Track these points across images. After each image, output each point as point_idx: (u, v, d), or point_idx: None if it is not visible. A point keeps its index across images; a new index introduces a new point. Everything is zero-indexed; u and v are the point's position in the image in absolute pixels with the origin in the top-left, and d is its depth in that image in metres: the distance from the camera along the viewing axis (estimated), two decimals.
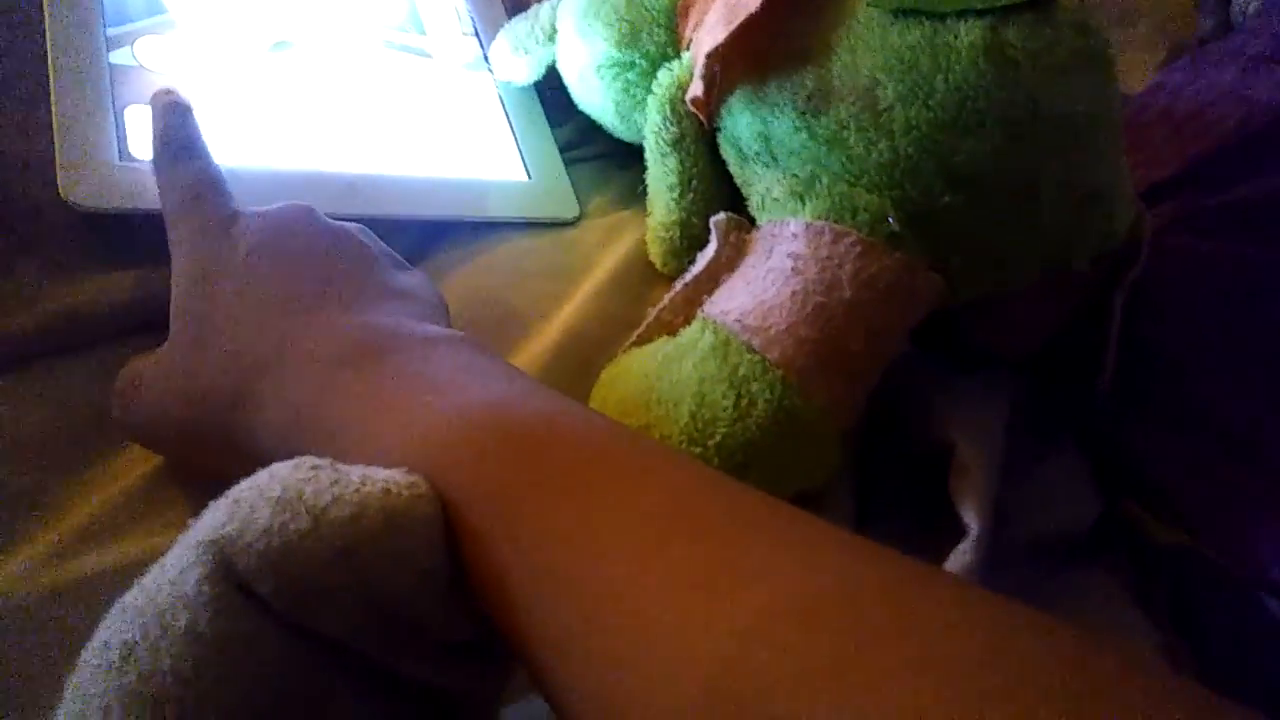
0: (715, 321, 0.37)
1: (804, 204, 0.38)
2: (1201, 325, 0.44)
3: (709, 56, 0.40)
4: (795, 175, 0.39)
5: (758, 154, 0.41)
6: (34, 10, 0.42)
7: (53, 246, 0.39)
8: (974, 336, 0.44)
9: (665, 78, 0.45)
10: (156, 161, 0.36)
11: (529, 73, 0.54)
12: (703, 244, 0.42)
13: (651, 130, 0.45)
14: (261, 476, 0.23)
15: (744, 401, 0.35)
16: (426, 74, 0.54)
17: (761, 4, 0.38)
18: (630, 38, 0.46)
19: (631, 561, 0.22)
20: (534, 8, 0.53)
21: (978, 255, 0.38)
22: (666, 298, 0.41)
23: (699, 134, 0.45)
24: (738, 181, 0.44)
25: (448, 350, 0.31)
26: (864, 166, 0.37)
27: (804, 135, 0.38)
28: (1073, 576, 0.43)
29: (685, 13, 0.45)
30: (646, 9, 0.46)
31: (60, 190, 0.37)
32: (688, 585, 0.21)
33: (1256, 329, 0.43)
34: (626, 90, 0.48)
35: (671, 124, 0.44)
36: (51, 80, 0.40)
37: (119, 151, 0.40)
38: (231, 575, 0.22)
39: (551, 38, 0.51)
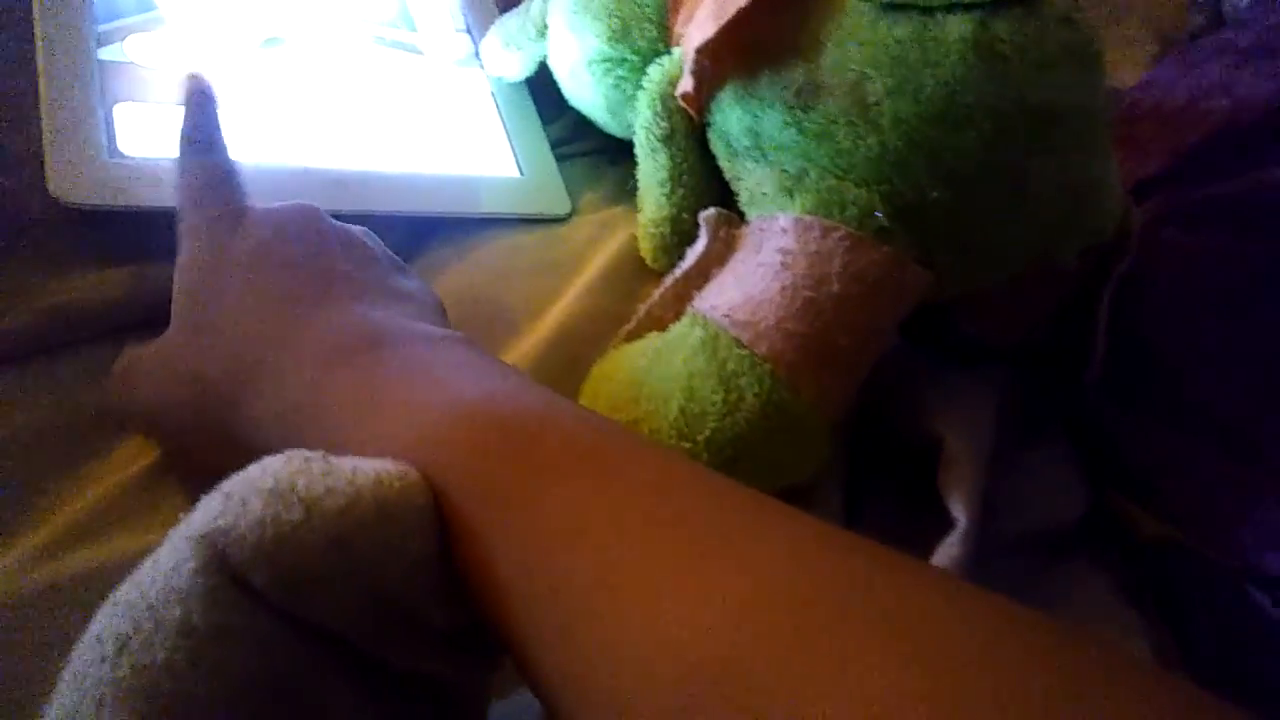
0: (704, 317, 0.37)
1: (793, 199, 0.38)
2: (1189, 318, 0.44)
3: (698, 51, 0.40)
4: (784, 170, 0.39)
5: (747, 149, 0.41)
6: (23, 7, 0.42)
7: (42, 243, 0.39)
8: (963, 329, 0.44)
9: (656, 73, 0.45)
10: (179, 149, 0.36)
11: (520, 69, 0.54)
12: (693, 240, 0.42)
13: (642, 126, 0.45)
14: (253, 470, 0.24)
15: (733, 396, 0.35)
16: (418, 70, 0.54)
17: (749, 2, 0.38)
18: (621, 33, 0.46)
19: (616, 551, 0.23)
20: (525, 4, 0.53)
21: (966, 249, 0.38)
22: (656, 293, 0.41)
23: (689, 129, 0.45)
24: (727, 177, 0.44)
25: (444, 347, 0.31)
26: (852, 161, 0.37)
27: (793, 130, 0.38)
28: (1061, 569, 0.43)
29: (676, 8, 0.45)
30: (637, 4, 0.46)
31: (50, 187, 0.37)
32: (671, 575, 0.22)
33: (1244, 322, 0.43)
34: (617, 86, 0.48)
35: (662, 119, 0.44)
36: (41, 77, 0.40)
37: (109, 148, 0.40)
38: (225, 567, 0.22)
39: (543, 34, 0.51)
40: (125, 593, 0.23)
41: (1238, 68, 0.53)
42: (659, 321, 0.41)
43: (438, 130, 0.52)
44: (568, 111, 0.54)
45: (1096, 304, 0.42)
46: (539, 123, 0.56)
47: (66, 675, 0.22)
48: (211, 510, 0.23)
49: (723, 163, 0.44)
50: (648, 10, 0.46)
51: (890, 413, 0.44)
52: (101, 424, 0.37)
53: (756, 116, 0.40)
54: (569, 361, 0.42)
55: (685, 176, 0.45)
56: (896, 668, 0.18)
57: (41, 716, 0.22)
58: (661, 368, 0.37)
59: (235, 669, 0.22)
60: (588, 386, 0.40)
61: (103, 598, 0.23)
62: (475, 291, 0.45)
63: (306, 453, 0.24)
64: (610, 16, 0.46)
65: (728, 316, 0.36)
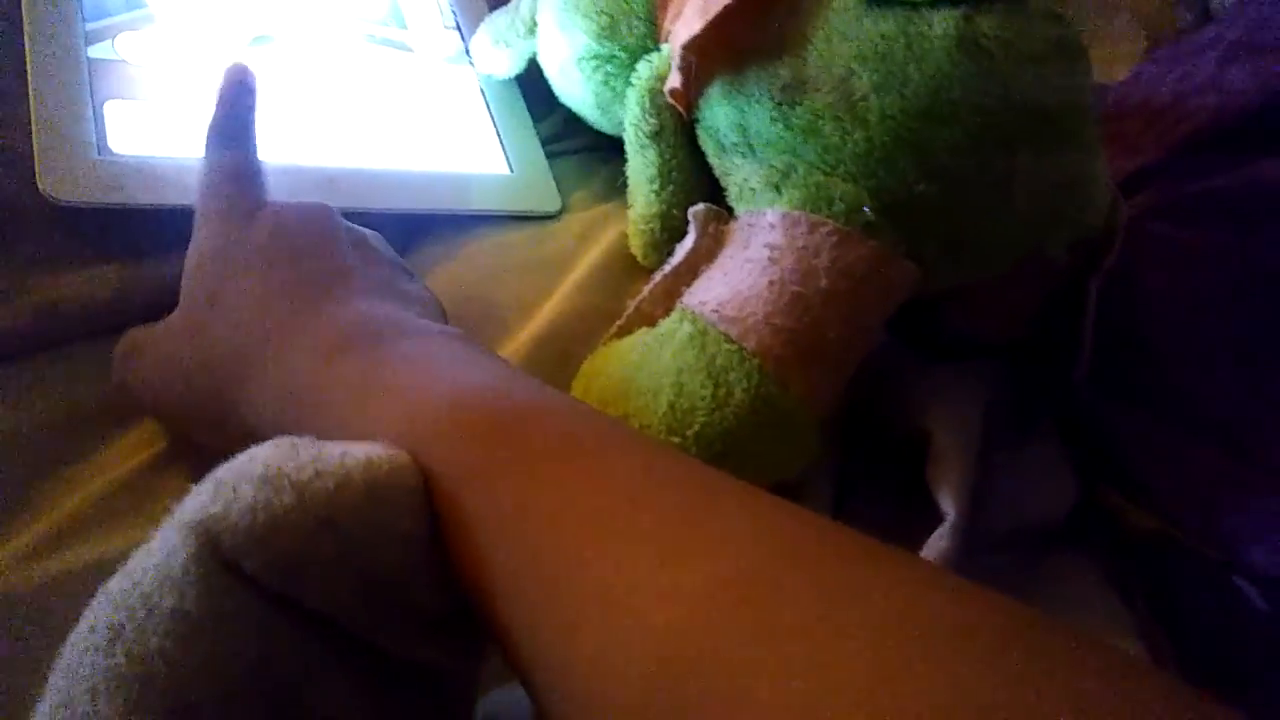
0: (693, 312, 0.37)
1: (781, 194, 0.38)
2: (1177, 312, 0.44)
3: (685, 47, 0.40)
4: (772, 165, 0.40)
5: (735, 145, 0.42)
6: (12, 5, 0.42)
7: (31, 242, 0.39)
8: (951, 323, 0.44)
9: (644, 70, 0.45)
10: (208, 137, 0.37)
11: (510, 66, 0.54)
12: (683, 236, 0.42)
13: (631, 122, 0.46)
14: (241, 459, 0.24)
15: (722, 391, 0.35)
16: (408, 68, 0.54)
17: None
18: (610, 30, 0.46)
19: (597, 533, 0.23)
20: (514, 1, 0.53)
21: (953, 243, 0.38)
22: (646, 289, 0.42)
23: (678, 126, 0.45)
24: (716, 173, 0.45)
25: (441, 341, 0.32)
26: (839, 156, 0.37)
27: (780, 126, 0.38)
28: (1051, 563, 0.44)
29: (664, 5, 0.45)
30: (626, 1, 0.46)
31: (39, 185, 0.37)
32: (649, 555, 0.22)
33: (1232, 316, 0.43)
34: (606, 83, 0.48)
35: (651, 116, 0.44)
36: (30, 75, 0.40)
37: (98, 146, 0.40)
38: (217, 555, 0.22)
39: (532, 31, 0.51)
40: (118, 583, 0.23)
41: (1225, 63, 0.54)
42: (648, 317, 0.41)
43: (428, 128, 0.52)
44: (558, 109, 0.54)
45: (1084, 298, 0.42)
46: (529, 120, 0.56)
47: (60, 665, 0.22)
48: (202, 498, 0.23)
49: (711, 159, 0.45)
50: (636, 7, 0.46)
51: (879, 408, 0.44)
52: (94, 422, 0.37)
53: (744, 112, 0.40)
54: (560, 358, 0.42)
55: (675, 173, 0.45)
56: (859, 642, 0.19)
57: (36, 708, 0.22)
58: (651, 363, 0.37)
59: (229, 656, 0.22)
60: (578, 382, 0.40)
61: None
62: (466, 289, 0.45)
63: (295, 439, 0.24)
64: (599, 14, 0.46)
65: (716, 312, 0.36)
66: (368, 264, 0.36)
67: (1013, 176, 0.37)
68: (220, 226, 0.35)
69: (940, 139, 0.36)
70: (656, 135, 0.45)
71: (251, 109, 0.37)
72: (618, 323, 0.42)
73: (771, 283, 0.36)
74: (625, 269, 0.47)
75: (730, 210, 0.43)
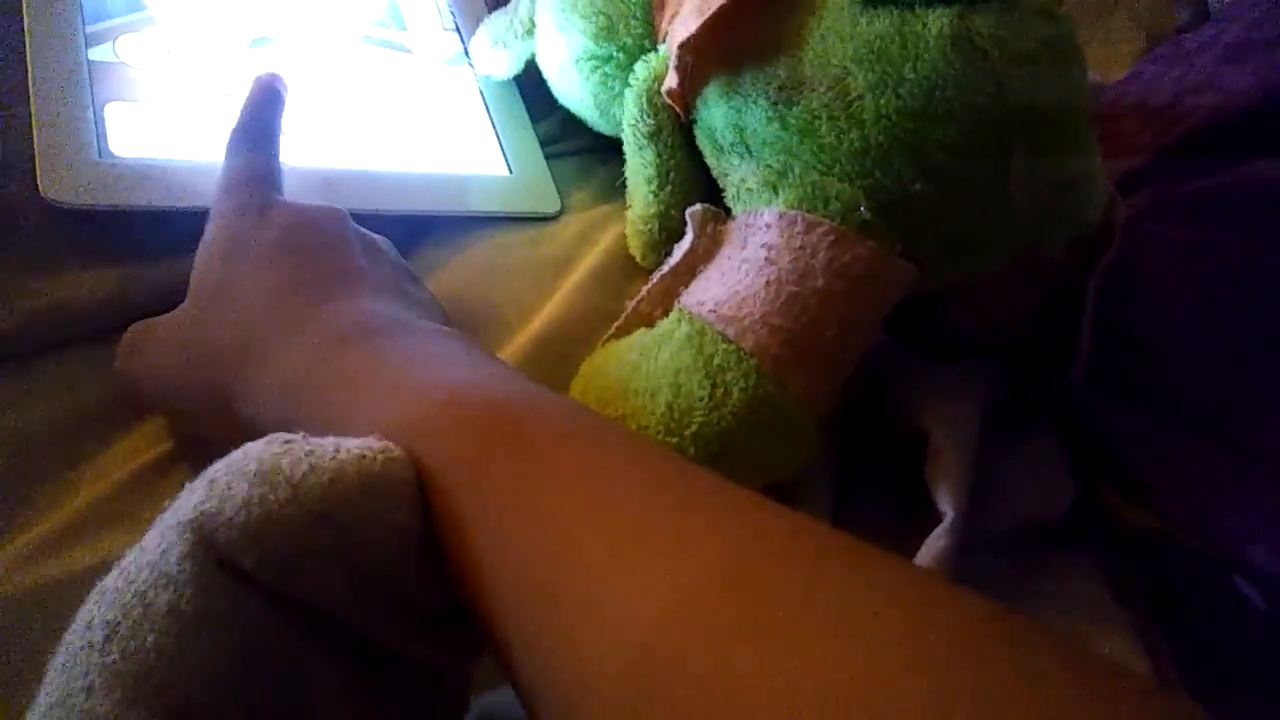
0: (691, 312, 0.37)
1: (777, 194, 0.39)
2: (1173, 310, 0.44)
3: (682, 47, 0.40)
4: (769, 165, 0.40)
5: (732, 145, 0.42)
6: (13, 8, 0.42)
7: (32, 244, 0.39)
8: (949, 323, 0.44)
9: (642, 70, 0.45)
10: (231, 138, 0.38)
11: (509, 67, 0.54)
12: (681, 236, 0.42)
13: (629, 123, 0.46)
14: (235, 455, 0.24)
15: (719, 391, 0.35)
16: (407, 69, 0.54)
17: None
18: (608, 31, 0.46)
19: (583, 526, 0.23)
20: (513, 2, 0.53)
21: (950, 242, 0.38)
22: (644, 290, 0.42)
23: (676, 126, 0.45)
24: (714, 173, 0.45)
25: (439, 340, 0.32)
26: (835, 156, 0.37)
27: (776, 125, 0.39)
28: (1049, 562, 0.44)
29: (662, 5, 0.45)
30: (623, 2, 0.46)
31: (40, 187, 0.38)
32: (636, 549, 0.22)
33: (1227, 314, 0.43)
34: (604, 83, 0.48)
35: (648, 116, 0.44)
36: (31, 77, 0.40)
37: (99, 148, 0.40)
38: (212, 552, 0.23)
39: (530, 32, 0.51)
40: (112, 580, 0.23)
41: (1223, 63, 0.54)
42: (647, 318, 0.41)
43: (427, 129, 0.52)
44: (556, 110, 0.54)
45: (1081, 296, 0.42)
46: (528, 121, 0.56)
47: (55, 663, 0.22)
48: (196, 496, 0.23)
49: (709, 159, 0.45)
50: (634, 8, 0.46)
51: (877, 407, 0.44)
52: (95, 424, 0.38)
53: (740, 112, 0.40)
54: (559, 359, 0.43)
55: (673, 173, 0.45)
56: (836, 639, 0.19)
57: (32, 705, 0.22)
58: (649, 363, 0.37)
59: (223, 653, 0.22)
60: (577, 382, 0.41)
61: None
62: (466, 290, 0.45)
63: (287, 435, 0.25)
64: (597, 14, 0.46)
65: (714, 312, 0.37)
66: (375, 267, 0.37)
67: (1008, 176, 0.37)
68: (233, 222, 0.35)
69: (936, 138, 0.36)
70: (654, 136, 0.45)
71: (279, 115, 0.38)
72: (616, 323, 0.42)
73: (769, 282, 0.36)
74: (624, 270, 0.48)
75: (728, 210, 0.43)
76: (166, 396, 0.36)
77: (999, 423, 0.44)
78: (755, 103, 0.39)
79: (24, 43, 0.41)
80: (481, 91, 0.56)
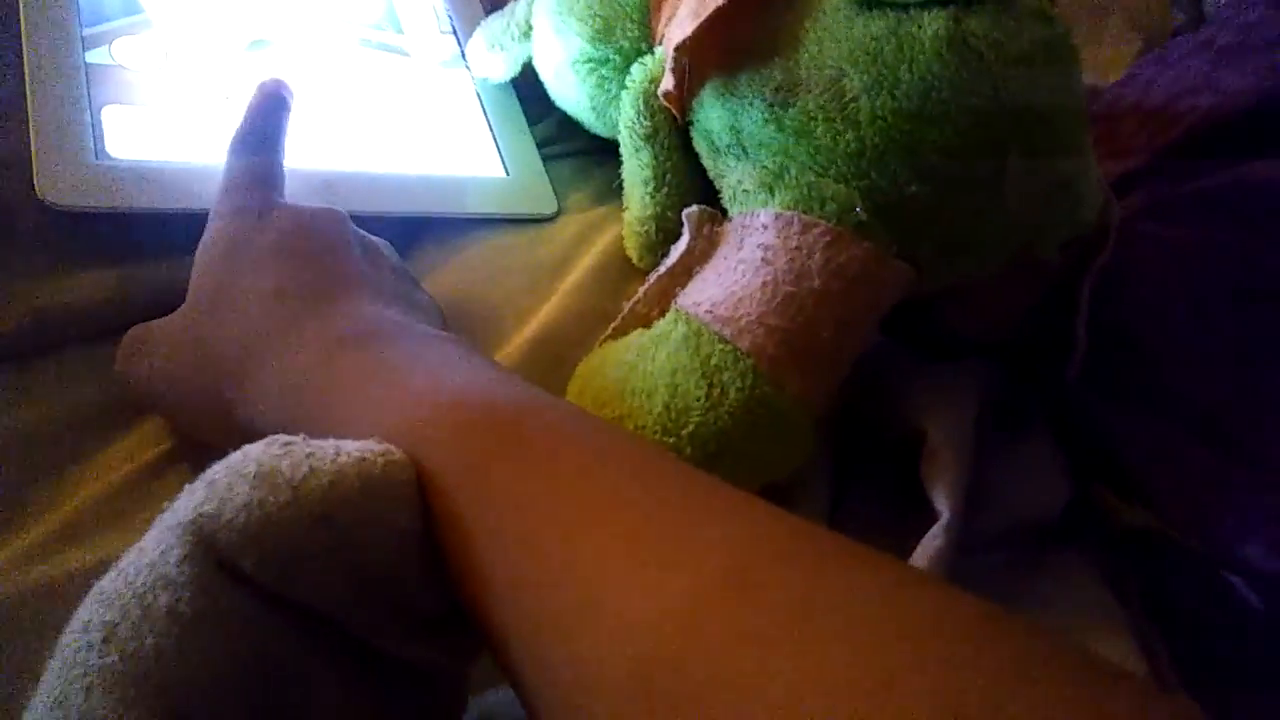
0: (687, 313, 0.37)
1: (774, 195, 0.39)
2: (1170, 310, 0.44)
3: (678, 49, 0.40)
4: (765, 167, 0.40)
5: (729, 146, 0.42)
6: (10, 11, 0.42)
7: (29, 246, 0.39)
8: (945, 323, 0.44)
9: (639, 72, 0.45)
10: (233, 141, 0.38)
11: (505, 69, 0.54)
12: (678, 237, 0.43)
13: (626, 125, 0.46)
14: (235, 457, 0.24)
15: (716, 391, 0.35)
16: (404, 72, 0.54)
17: (728, 2, 0.38)
18: (604, 33, 0.46)
19: (583, 530, 0.23)
20: (510, 5, 0.53)
21: (945, 243, 0.39)
22: (641, 290, 0.42)
23: (672, 128, 0.45)
24: (710, 174, 0.45)
25: (439, 344, 0.32)
26: (831, 157, 0.37)
27: (772, 127, 0.39)
28: (1045, 562, 0.44)
29: (658, 7, 0.45)
30: (620, 4, 0.46)
31: (37, 189, 0.38)
32: (638, 553, 0.22)
33: (1224, 314, 0.43)
34: (601, 86, 0.48)
35: (645, 118, 0.45)
36: (28, 80, 0.40)
37: (96, 150, 0.40)
38: (211, 554, 0.23)
39: (527, 34, 0.51)
40: (111, 582, 0.23)
41: (1218, 65, 0.54)
42: (643, 319, 0.41)
43: (424, 131, 0.52)
44: (553, 112, 0.54)
45: (1077, 297, 0.42)
46: (525, 123, 0.56)
47: (54, 664, 0.22)
48: (196, 498, 0.23)
49: (705, 161, 0.45)
50: (630, 10, 0.46)
51: (873, 407, 0.44)
52: (92, 425, 0.38)
53: (737, 114, 0.40)
54: (556, 360, 0.43)
55: (669, 175, 0.45)
56: (838, 645, 0.19)
57: (30, 706, 0.22)
58: (646, 364, 0.37)
59: (223, 655, 0.22)
60: (574, 384, 0.41)
61: None
62: (463, 291, 0.45)
63: (287, 438, 0.25)
64: (593, 17, 0.46)
65: (710, 312, 0.37)
66: (375, 270, 0.37)
67: (1004, 177, 0.37)
68: (233, 224, 0.35)
69: (931, 140, 0.36)
70: (651, 138, 0.45)
71: (283, 120, 0.39)
72: (613, 324, 0.42)
73: (765, 283, 0.36)
74: (621, 271, 0.48)
75: (724, 212, 0.43)
76: (166, 399, 0.36)
77: (995, 423, 0.44)
78: (751, 104, 0.40)
79: (21, 45, 0.41)
80: (479, 94, 0.56)
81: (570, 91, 0.50)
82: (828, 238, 0.37)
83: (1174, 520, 0.42)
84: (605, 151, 0.51)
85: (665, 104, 0.44)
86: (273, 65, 0.49)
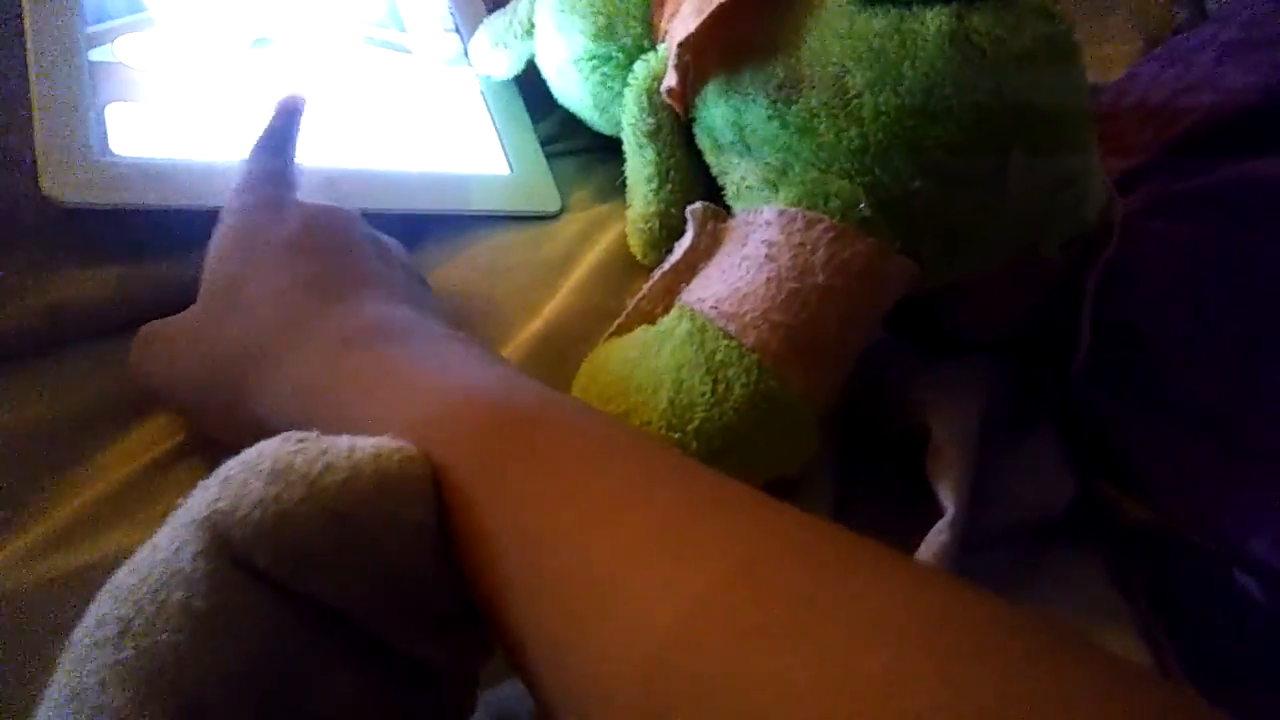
0: (692, 309, 0.38)
1: (777, 191, 0.39)
2: (1172, 307, 0.44)
3: (681, 46, 0.40)
4: (768, 163, 0.40)
5: (732, 143, 0.42)
6: (14, 8, 0.42)
7: (34, 243, 0.39)
8: (949, 321, 0.45)
9: (641, 70, 0.45)
10: (253, 148, 0.38)
11: (508, 67, 0.54)
12: (681, 234, 0.43)
13: (629, 122, 0.46)
14: (249, 454, 0.24)
15: (721, 387, 0.35)
16: (407, 70, 0.54)
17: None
18: (606, 30, 0.47)
19: (596, 528, 0.23)
20: (512, 3, 0.53)
21: (949, 240, 0.39)
22: (645, 287, 0.42)
23: (675, 125, 0.45)
24: (714, 171, 0.45)
25: (450, 342, 0.33)
26: (835, 153, 0.37)
27: (776, 124, 0.39)
28: (1050, 558, 0.44)
29: (660, 5, 0.45)
30: (622, 2, 0.46)
31: (42, 186, 0.38)
32: (651, 551, 0.22)
33: (1226, 310, 0.43)
34: (604, 83, 0.48)
35: (648, 115, 0.45)
36: (32, 78, 0.41)
37: (100, 148, 0.40)
38: (226, 550, 0.23)
39: (530, 32, 0.51)
40: (125, 577, 0.23)
41: (1220, 62, 0.54)
42: (648, 315, 0.41)
43: (428, 129, 0.52)
44: (556, 110, 0.54)
45: (1081, 294, 0.42)
46: (528, 121, 0.56)
47: (67, 659, 0.23)
48: (210, 494, 0.23)
49: (709, 157, 0.45)
50: (632, 7, 0.46)
51: (878, 404, 0.44)
52: (99, 421, 0.38)
53: (740, 111, 0.40)
54: (560, 357, 0.43)
55: (672, 172, 0.46)
56: (855, 640, 0.19)
57: (42, 699, 0.22)
58: (650, 360, 0.37)
59: (236, 651, 0.22)
60: (579, 379, 0.41)
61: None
62: (467, 288, 0.46)
63: (301, 434, 0.25)
64: (596, 14, 0.47)
65: (715, 308, 0.37)
66: (387, 269, 0.37)
67: (1006, 174, 0.37)
68: (245, 221, 0.36)
69: (934, 136, 0.36)
70: (654, 134, 0.45)
71: (295, 127, 0.39)
72: (617, 320, 0.42)
73: (769, 279, 0.36)
74: (625, 268, 0.48)
75: (728, 208, 0.43)
76: (179, 395, 0.36)
77: (999, 420, 0.44)
78: (754, 101, 0.40)
79: (24, 43, 0.41)
80: (482, 92, 0.56)
81: (573, 89, 0.50)
82: (831, 234, 0.37)
83: (1178, 516, 0.42)
84: (608, 149, 0.51)
85: (668, 101, 0.44)
86: (276, 63, 0.49)
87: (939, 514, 0.39)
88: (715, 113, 0.42)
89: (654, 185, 0.46)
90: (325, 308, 0.33)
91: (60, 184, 0.38)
